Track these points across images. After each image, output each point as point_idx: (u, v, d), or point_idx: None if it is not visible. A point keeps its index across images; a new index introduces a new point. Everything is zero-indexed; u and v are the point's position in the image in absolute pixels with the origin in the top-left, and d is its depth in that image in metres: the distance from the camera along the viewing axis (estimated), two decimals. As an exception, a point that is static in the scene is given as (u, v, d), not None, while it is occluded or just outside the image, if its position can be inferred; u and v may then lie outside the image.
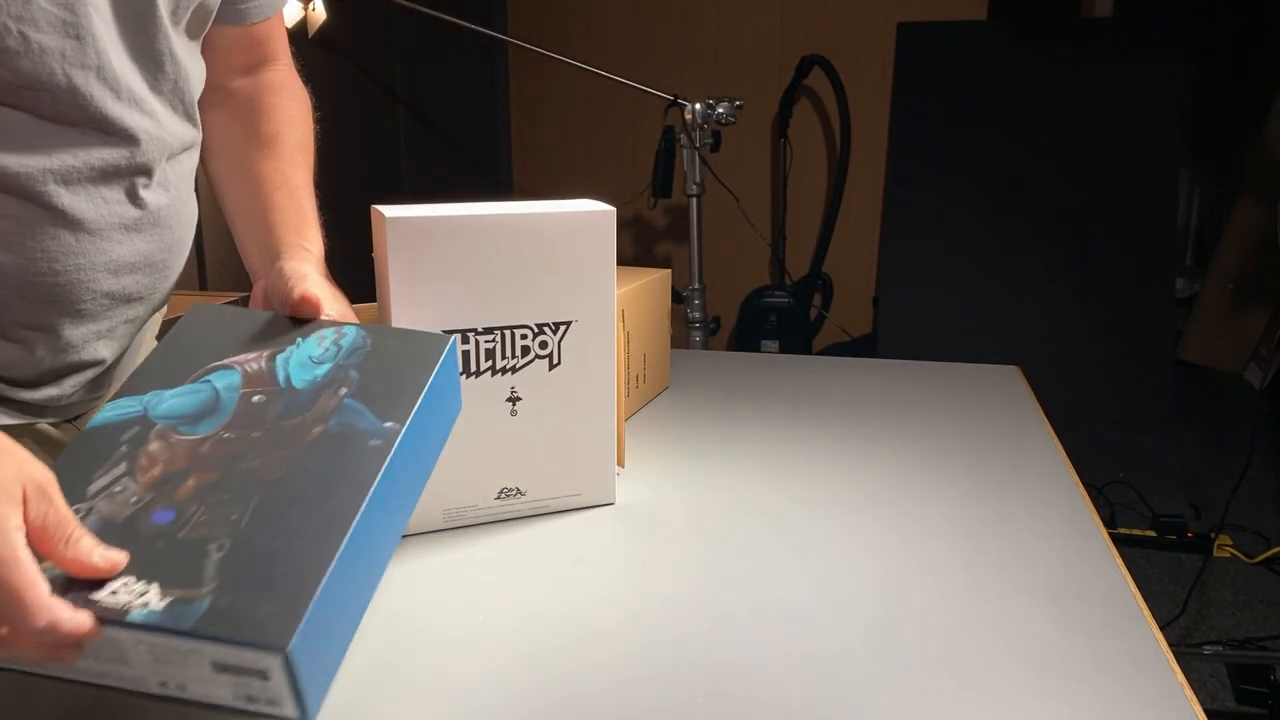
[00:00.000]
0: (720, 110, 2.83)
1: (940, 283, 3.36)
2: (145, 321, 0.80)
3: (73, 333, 0.72)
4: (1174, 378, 3.25)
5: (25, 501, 0.48)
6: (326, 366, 0.61)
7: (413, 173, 3.39)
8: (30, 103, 0.63)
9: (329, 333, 0.63)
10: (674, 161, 2.99)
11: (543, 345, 0.78)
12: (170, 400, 0.58)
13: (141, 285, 0.74)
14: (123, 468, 0.55)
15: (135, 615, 0.47)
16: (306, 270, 0.70)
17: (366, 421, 0.57)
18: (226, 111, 0.86)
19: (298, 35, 2.66)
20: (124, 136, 0.70)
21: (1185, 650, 1.94)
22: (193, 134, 0.77)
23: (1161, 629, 0.64)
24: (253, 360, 0.61)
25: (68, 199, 0.66)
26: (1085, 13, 3.56)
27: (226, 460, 0.55)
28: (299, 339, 0.63)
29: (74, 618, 0.47)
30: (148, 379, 0.60)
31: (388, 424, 0.56)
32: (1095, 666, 0.59)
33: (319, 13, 2.51)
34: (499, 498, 0.79)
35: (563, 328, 0.79)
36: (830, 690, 0.57)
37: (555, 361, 0.79)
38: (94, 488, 0.53)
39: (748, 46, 3.70)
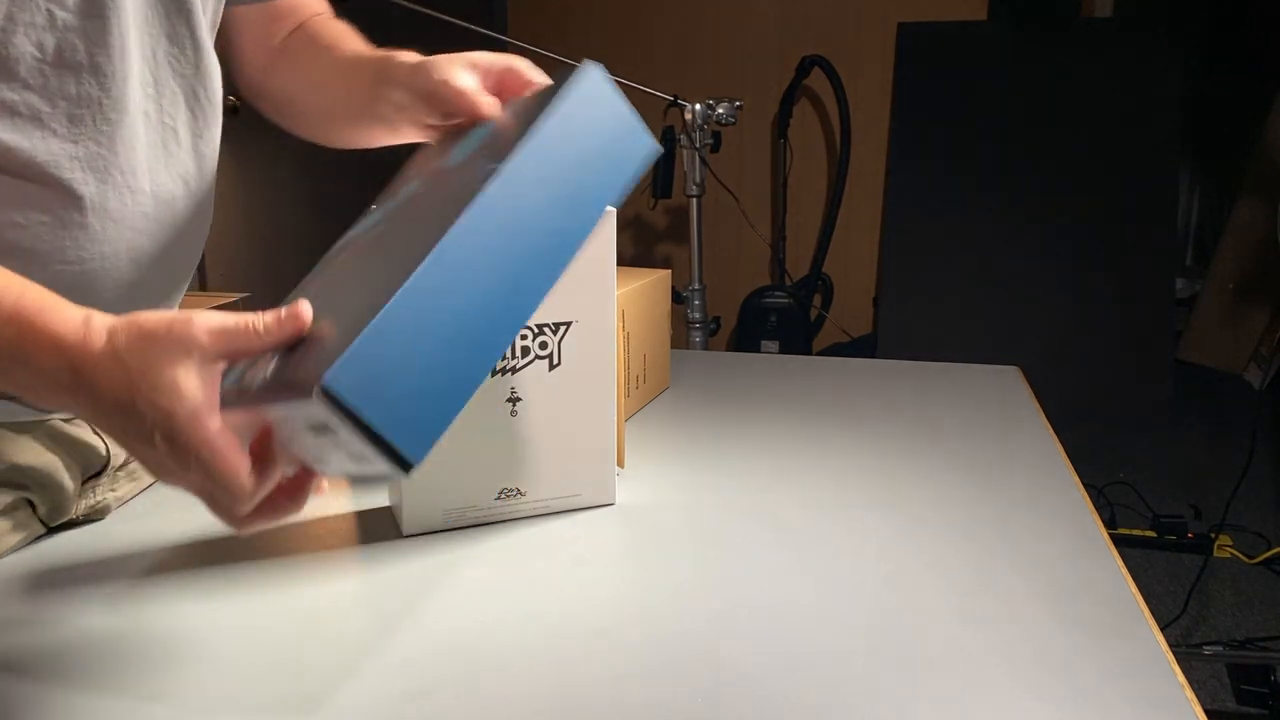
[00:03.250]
0: (720, 110, 2.83)
1: (940, 283, 3.36)
2: None
3: None
4: (1174, 378, 3.25)
5: (210, 365, 0.50)
6: (483, 133, 0.60)
7: (413, 173, 3.39)
8: (57, 85, 0.63)
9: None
10: (674, 162, 2.99)
11: (543, 346, 0.78)
12: (374, 215, 0.62)
13: (160, 278, 0.75)
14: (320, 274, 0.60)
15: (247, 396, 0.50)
16: (438, 63, 0.67)
17: (484, 168, 0.53)
18: (284, 61, 0.86)
19: (298, 35, 2.64)
20: (144, 121, 0.70)
21: (1185, 651, 1.94)
22: (208, 128, 0.77)
23: (1162, 629, 0.64)
24: (442, 155, 0.64)
25: (94, 186, 0.67)
26: (1085, 13, 3.55)
27: (371, 244, 0.57)
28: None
29: (257, 475, 0.50)
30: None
31: (495, 162, 0.52)
32: (1095, 667, 0.59)
33: (319, 13, 2.51)
34: (499, 498, 0.79)
35: (563, 328, 0.79)
36: (830, 690, 0.57)
37: (555, 362, 0.79)
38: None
39: (748, 46, 3.70)
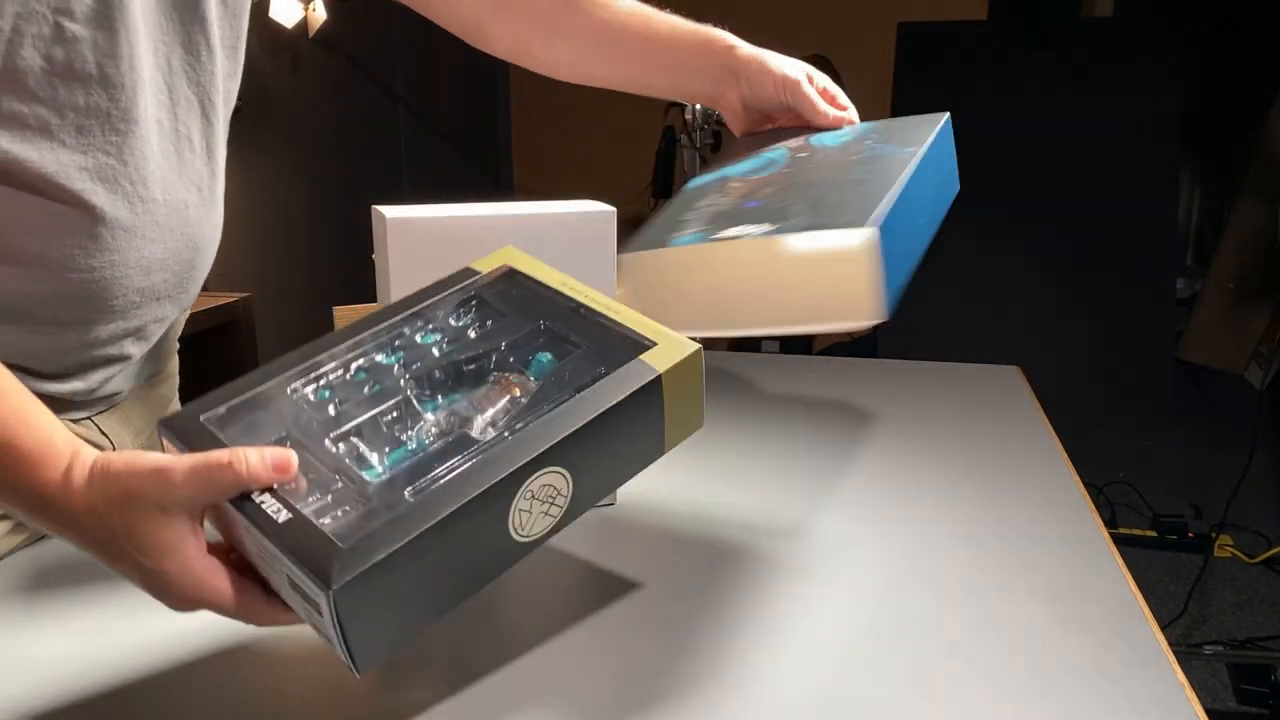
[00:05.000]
0: (720, 110, 2.84)
1: (940, 283, 3.36)
2: (172, 321, 0.80)
3: (103, 329, 0.72)
4: (1174, 378, 3.25)
5: (193, 515, 0.49)
6: (849, 137, 0.80)
7: (413, 173, 3.40)
8: (66, 97, 0.63)
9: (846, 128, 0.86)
10: (674, 162, 3.00)
11: (543, 345, 0.78)
12: (738, 167, 0.79)
13: (170, 284, 0.75)
14: (713, 195, 0.74)
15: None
16: (794, 81, 0.85)
17: (892, 148, 0.72)
18: (509, 12, 0.90)
19: (298, 35, 2.66)
20: (157, 130, 0.70)
21: (1186, 650, 1.94)
22: (220, 133, 0.77)
23: (1162, 629, 0.64)
24: (794, 140, 0.83)
25: (104, 196, 0.67)
26: (1085, 13, 3.56)
27: (789, 177, 0.72)
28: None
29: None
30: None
31: (909, 147, 0.70)
32: (1095, 666, 0.59)
33: (319, 13, 2.51)
34: (499, 498, 0.79)
35: (563, 328, 0.79)
36: (831, 690, 0.57)
37: (556, 361, 0.79)
38: (695, 209, 0.73)
39: (748, 47, 3.70)
